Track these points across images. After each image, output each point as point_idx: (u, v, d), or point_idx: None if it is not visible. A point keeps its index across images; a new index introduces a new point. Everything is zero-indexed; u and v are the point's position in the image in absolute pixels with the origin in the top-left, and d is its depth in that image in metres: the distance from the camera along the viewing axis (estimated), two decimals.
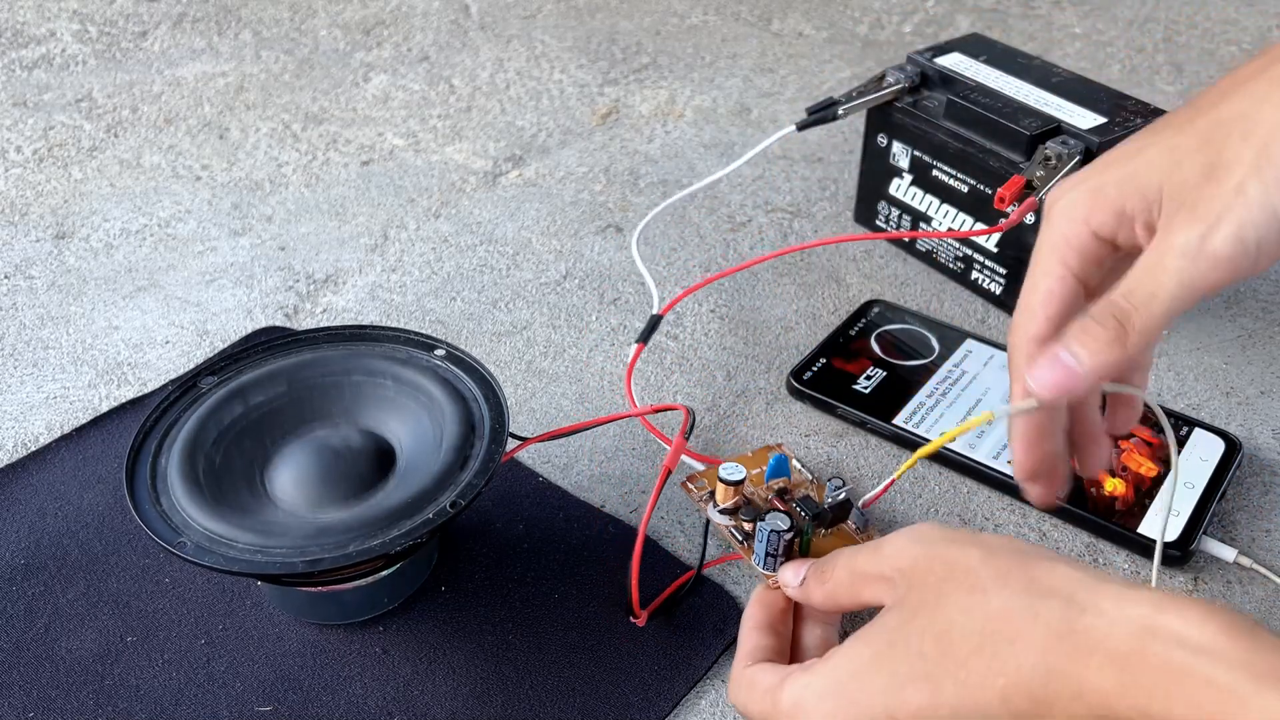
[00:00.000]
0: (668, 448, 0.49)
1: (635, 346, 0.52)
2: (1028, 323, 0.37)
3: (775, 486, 0.45)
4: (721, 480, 0.43)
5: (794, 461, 0.46)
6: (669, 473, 0.44)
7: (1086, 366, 0.34)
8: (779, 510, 0.43)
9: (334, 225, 0.68)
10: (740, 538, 0.43)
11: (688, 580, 0.44)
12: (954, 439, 0.39)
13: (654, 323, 0.53)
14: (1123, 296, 0.33)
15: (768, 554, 0.41)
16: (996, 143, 0.56)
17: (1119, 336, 0.33)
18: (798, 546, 0.42)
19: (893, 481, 0.42)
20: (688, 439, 0.46)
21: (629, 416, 0.49)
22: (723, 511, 0.43)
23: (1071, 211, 0.36)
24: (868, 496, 0.43)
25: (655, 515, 0.48)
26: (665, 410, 0.51)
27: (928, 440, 0.50)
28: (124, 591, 0.44)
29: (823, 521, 0.43)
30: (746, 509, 0.43)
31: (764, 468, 0.46)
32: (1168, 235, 0.33)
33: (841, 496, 0.43)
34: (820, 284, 0.62)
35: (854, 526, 0.43)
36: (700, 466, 0.47)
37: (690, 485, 0.45)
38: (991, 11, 0.97)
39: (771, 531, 0.40)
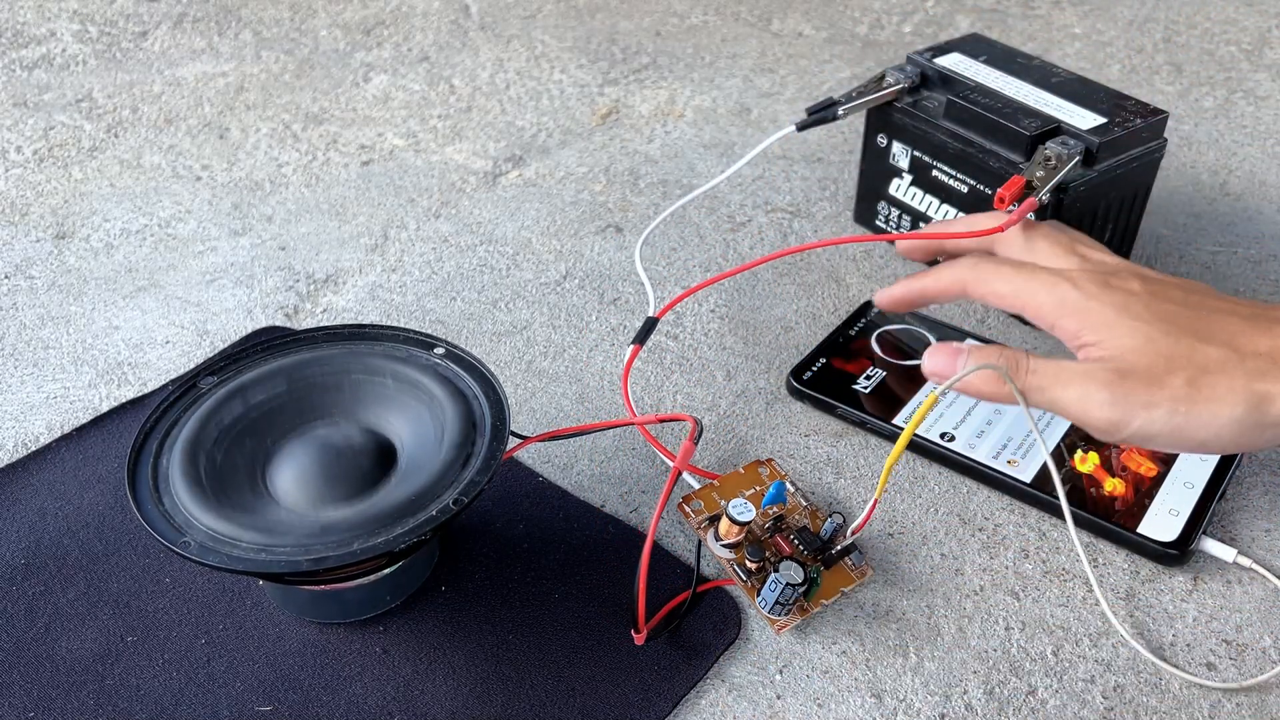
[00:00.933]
0: (667, 460, 0.49)
1: (631, 349, 0.52)
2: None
3: (772, 514, 0.45)
4: (730, 519, 0.43)
5: (789, 484, 0.47)
6: (679, 475, 0.44)
7: (963, 381, 0.42)
8: (786, 556, 0.43)
9: (334, 225, 0.68)
10: (743, 575, 0.43)
11: (683, 601, 0.43)
12: (917, 426, 0.39)
13: (650, 325, 0.53)
14: (1031, 369, 0.41)
15: (777, 602, 0.41)
16: (996, 143, 0.56)
17: (1000, 383, 0.42)
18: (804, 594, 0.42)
19: (876, 502, 0.42)
20: (696, 444, 0.45)
21: (632, 424, 0.49)
22: (725, 545, 0.43)
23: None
24: (855, 524, 0.43)
25: None
26: (670, 420, 0.51)
27: (929, 440, 0.50)
28: (124, 591, 0.44)
29: (829, 565, 0.43)
30: (753, 549, 0.43)
31: (758, 487, 0.46)
32: (1101, 381, 0.40)
33: (849, 542, 0.43)
34: (820, 284, 0.62)
35: (850, 563, 0.44)
36: (696, 485, 0.47)
37: (687, 508, 0.45)
38: (991, 11, 0.97)
39: (787, 585, 0.41)
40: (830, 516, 0.44)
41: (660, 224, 0.67)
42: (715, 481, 0.47)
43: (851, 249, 0.65)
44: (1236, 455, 0.49)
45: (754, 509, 0.43)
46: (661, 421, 0.51)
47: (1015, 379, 0.41)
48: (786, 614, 0.41)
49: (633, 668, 0.41)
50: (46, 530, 0.47)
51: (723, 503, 0.46)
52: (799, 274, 0.63)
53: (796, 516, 0.46)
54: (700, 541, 0.45)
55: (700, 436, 0.45)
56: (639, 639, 0.41)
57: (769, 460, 0.48)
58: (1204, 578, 0.45)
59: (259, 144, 0.77)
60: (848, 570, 0.44)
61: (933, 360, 0.44)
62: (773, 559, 0.43)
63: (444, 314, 0.60)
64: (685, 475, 0.48)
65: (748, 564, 0.43)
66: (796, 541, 0.44)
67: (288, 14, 0.97)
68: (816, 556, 0.43)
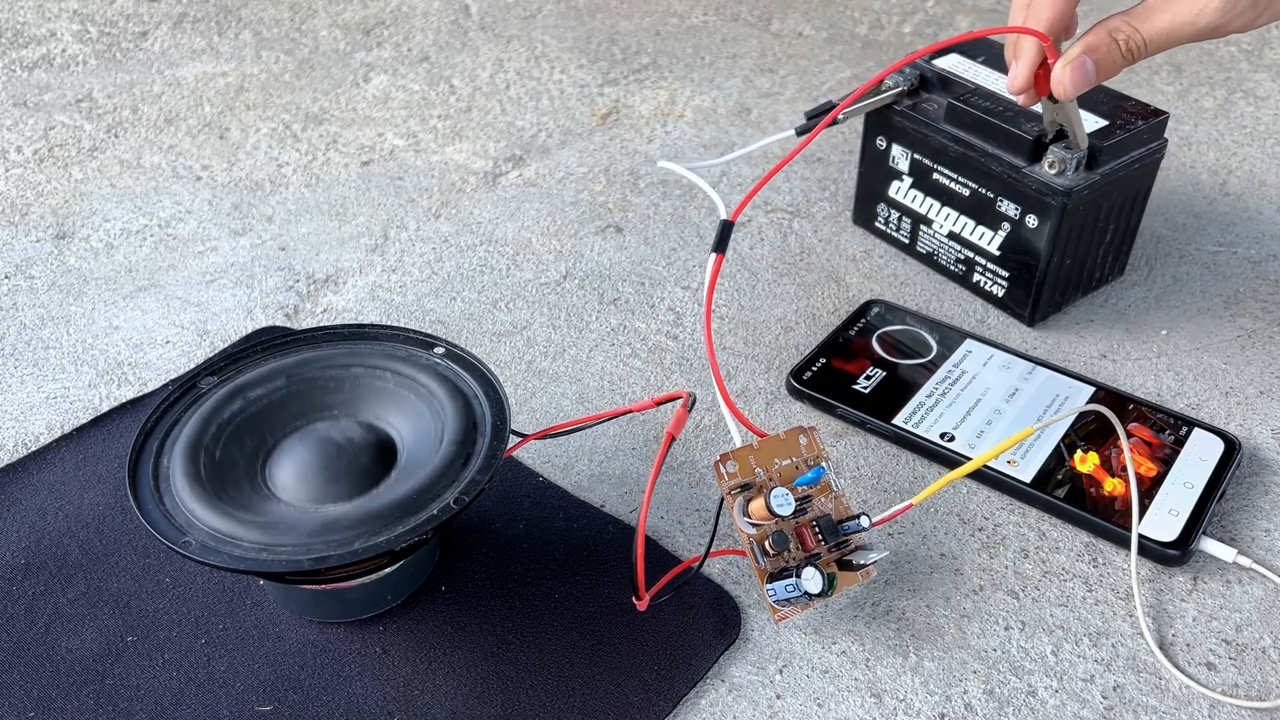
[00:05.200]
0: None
1: (714, 258, 0.46)
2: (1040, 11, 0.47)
3: (800, 493, 0.42)
4: (768, 507, 0.41)
5: (830, 475, 0.44)
6: (672, 440, 0.42)
7: (1098, 75, 0.45)
8: (809, 557, 0.42)
9: (334, 225, 0.68)
10: (759, 556, 0.42)
11: (694, 564, 0.42)
12: (996, 456, 0.39)
13: (726, 229, 0.47)
14: (1131, 22, 0.44)
15: (787, 599, 0.40)
16: (998, 147, 0.56)
17: (1125, 57, 0.44)
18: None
19: (912, 504, 0.42)
20: (689, 411, 0.43)
21: (630, 412, 0.49)
22: (753, 524, 0.42)
23: None
24: (880, 516, 0.43)
25: (654, 514, 0.48)
26: (666, 401, 0.50)
27: (928, 440, 0.50)
28: (124, 591, 0.44)
29: (848, 569, 0.42)
30: (777, 536, 0.41)
31: (794, 458, 0.44)
32: None
33: (872, 558, 0.42)
34: (820, 284, 0.62)
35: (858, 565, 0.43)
36: (739, 441, 0.43)
37: (722, 468, 0.42)
38: (991, 12, 0.97)
39: (804, 593, 0.40)
40: (859, 516, 0.42)
41: (660, 223, 0.67)
42: (755, 443, 0.43)
43: (851, 249, 0.65)
44: (1236, 454, 0.49)
45: (793, 503, 0.41)
46: (658, 405, 0.49)
47: (1134, 46, 0.45)
48: (789, 607, 0.41)
49: (633, 668, 0.41)
50: (46, 530, 0.47)
51: (760, 474, 0.43)
52: (799, 274, 0.63)
53: (823, 500, 0.43)
54: (723, 500, 0.42)
55: (694, 406, 0.43)
56: (641, 605, 0.40)
57: (812, 429, 0.45)
58: (1204, 578, 0.45)
59: (259, 144, 0.77)
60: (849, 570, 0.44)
61: (1069, 76, 0.46)
62: (795, 553, 0.42)
63: (444, 314, 0.60)
64: (731, 425, 0.44)
65: (767, 548, 0.41)
66: (818, 531, 0.42)
67: (288, 14, 0.97)
68: (834, 557, 0.42)
